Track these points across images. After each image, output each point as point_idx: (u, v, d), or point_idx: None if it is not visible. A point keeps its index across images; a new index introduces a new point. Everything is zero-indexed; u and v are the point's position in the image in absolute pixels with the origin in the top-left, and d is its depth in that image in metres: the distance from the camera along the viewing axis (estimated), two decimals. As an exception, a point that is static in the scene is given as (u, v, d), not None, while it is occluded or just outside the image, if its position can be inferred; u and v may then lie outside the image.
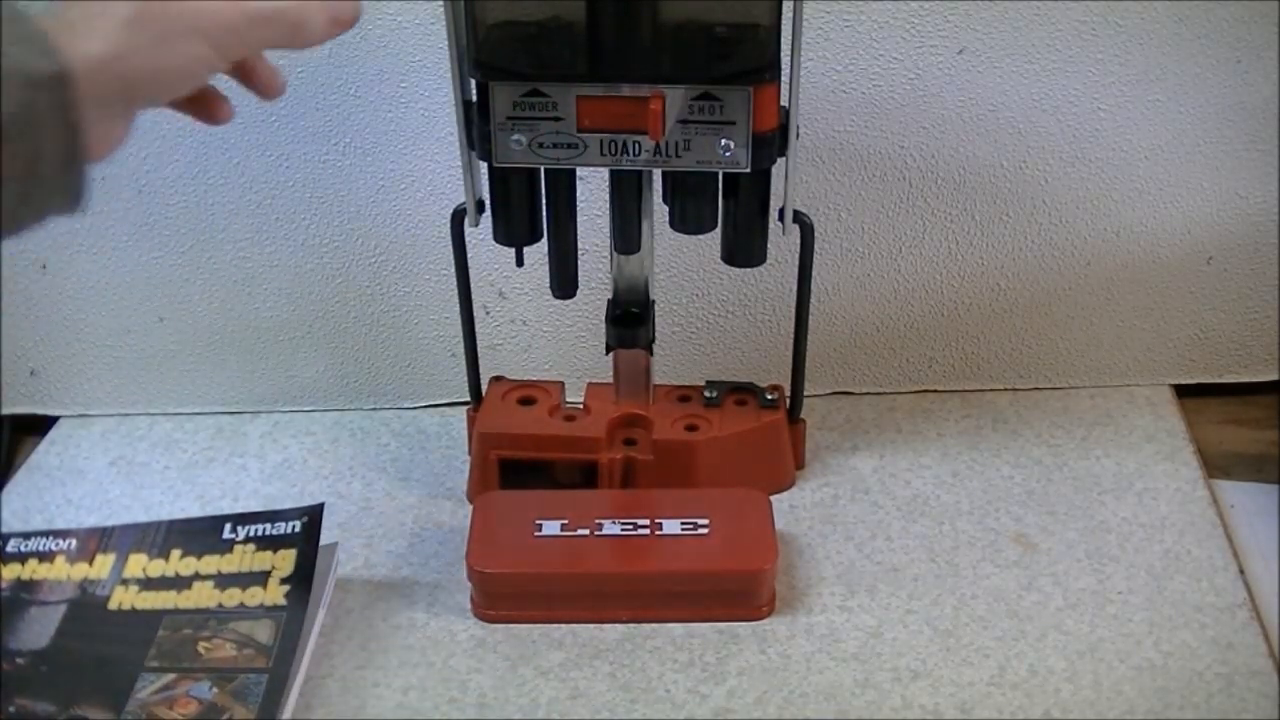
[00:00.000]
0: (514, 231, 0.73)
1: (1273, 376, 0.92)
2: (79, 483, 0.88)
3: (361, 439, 0.91)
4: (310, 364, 0.93)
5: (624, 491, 0.80)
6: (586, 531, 0.74)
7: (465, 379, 0.83)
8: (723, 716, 0.69)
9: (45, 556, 0.78)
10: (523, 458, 0.81)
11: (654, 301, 0.80)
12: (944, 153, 0.84)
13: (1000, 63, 0.81)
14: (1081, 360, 0.92)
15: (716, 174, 0.71)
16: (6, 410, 0.93)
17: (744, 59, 0.66)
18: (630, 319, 0.79)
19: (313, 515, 0.78)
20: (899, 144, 0.83)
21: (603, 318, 0.80)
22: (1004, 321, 0.90)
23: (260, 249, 0.88)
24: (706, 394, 0.83)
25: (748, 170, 0.68)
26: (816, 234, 0.76)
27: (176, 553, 0.77)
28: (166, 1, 0.52)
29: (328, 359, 0.92)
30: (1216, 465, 0.86)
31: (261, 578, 0.75)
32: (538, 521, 0.75)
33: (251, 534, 0.78)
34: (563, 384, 0.84)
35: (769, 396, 0.82)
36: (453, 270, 0.78)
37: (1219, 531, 0.79)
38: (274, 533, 0.77)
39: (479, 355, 0.83)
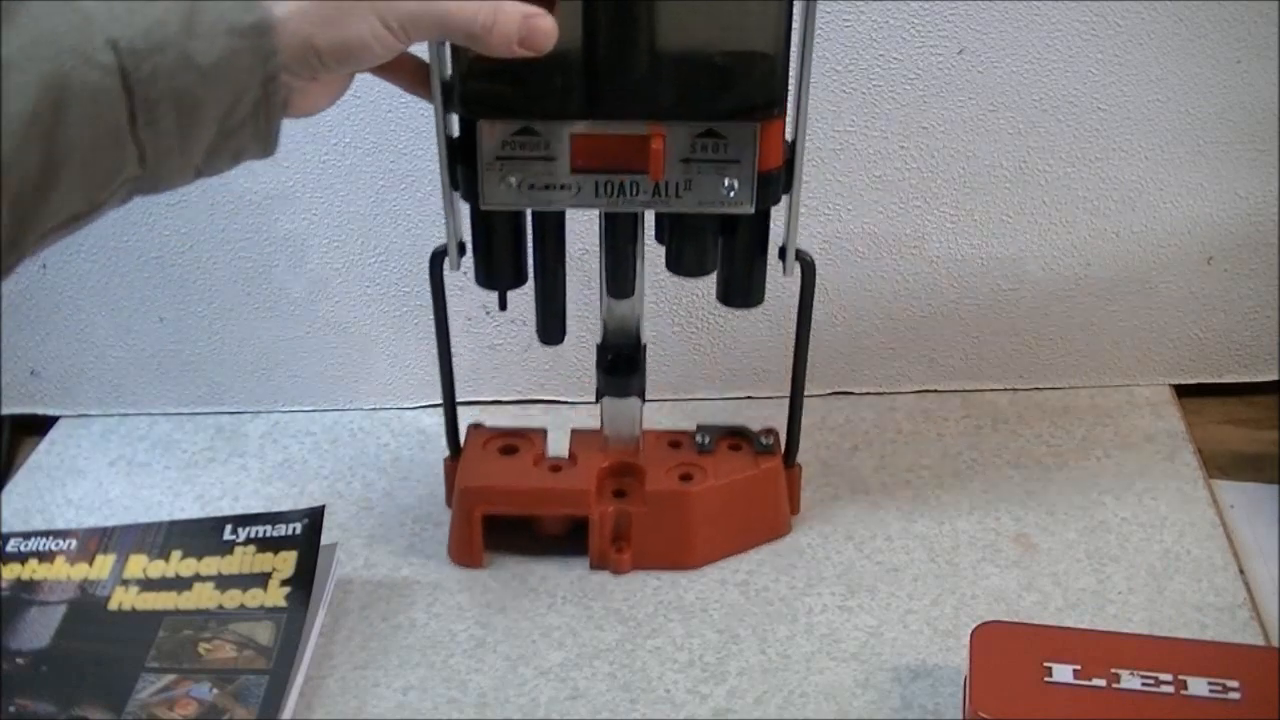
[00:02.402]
0: (497, 275, 0.70)
1: (1273, 376, 0.92)
2: (79, 483, 0.88)
3: (361, 439, 0.91)
4: (311, 364, 0.93)
5: (1144, 637, 0.71)
6: (1103, 683, 0.64)
7: (465, 379, 0.83)
8: (723, 716, 0.69)
9: (45, 556, 0.78)
10: (509, 514, 0.77)
11: (646, 345, 0.76)
12: (944, 153, 0.84)
13: (1000, 63, 0.81)
14: (1081, 360, 0.92)
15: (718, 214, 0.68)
16: (6, 410, 0.93)
17: (750, 92, 0.62)
18: (621, 367, 0.75)
19: (314, 517, 0.78)
20: (899, 144, 0.83)
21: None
22: (1004, 321, 0.90)
23: (260, 249, 0.88)
24: (698, 439, 0.79)
25: (752, 211, 0.65)
26: (818, 234, 0.75)
27: (177, 554, 0.78)
28: None
29: (328, 359, 0.92)
30: (1216, 465, 0.86)
31: (262, 579, 0.75)
32: (1046, 664, 0.65)
33: (252, 535, 0.78)
34: (545, 431, 0.80)
35: (764, 441, 0.79)
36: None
37: (1219, 531, 0.79)
38: (275, 534, 0.77)
39: (476, 359, 0.81)
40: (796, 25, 0.62)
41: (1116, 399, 0.91)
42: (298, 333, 0.91)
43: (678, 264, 0.70)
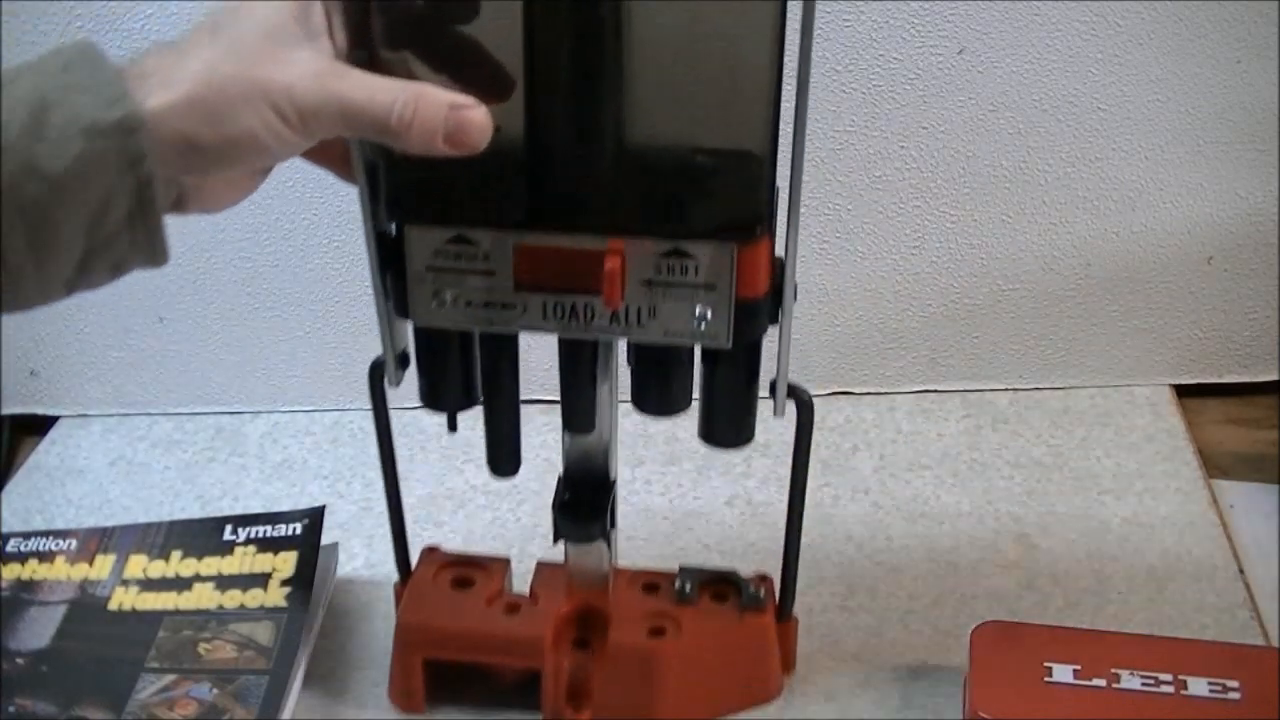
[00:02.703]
0: (443, 397, 0.60)
1: (1273, 376, 0.92)
2: (79, 483, 0.88)
3: (361, 439, 0.91)
4: (310, 364, 0.93)
5: (1144, 637, 0.70)
6: (1103, 683, 0.63)
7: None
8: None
9: (45, 556, 0.78)
10: (452, 660, 0.68)
11: (615, 480, 0.65)
12: (944, 153, 0.84)
13: (1000, 63, 0.81)
14: (1081, 360, 0.92)
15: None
16: (6, 410, 0.94)
17: (726, 206, 0.52)
18: (583, 511, 0.64)
19: (314, 517, 0.78)
20: (899, 144, 0.83)
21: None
22: (1004, 321, 0.90)
23: (260, 249, 0.88)
24: (678, 584, 0.68)
25: (728, 347, 0.55)
26: (817, 234, 0.75)
27: (177, 554, 0.78)
28: (247, 68, 0.47)
29: (328, 359, 0.92)
30: (1216, 465, 0.86)
31: (262, 580, 0.75)
32: (1046, 664, 0.64)
33: (252, 536, 0.78)
34: (507, 561, 0.70)
35: (753, 590, 0.67)
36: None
37: (1219, 531, 0.79)
38: (275, 535, 0.77)
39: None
40: (786, 113, 0.52)
41: (1116, 399, 0.91)
42: (298, 333, 0.91)
43: (642, 400, 0.59)
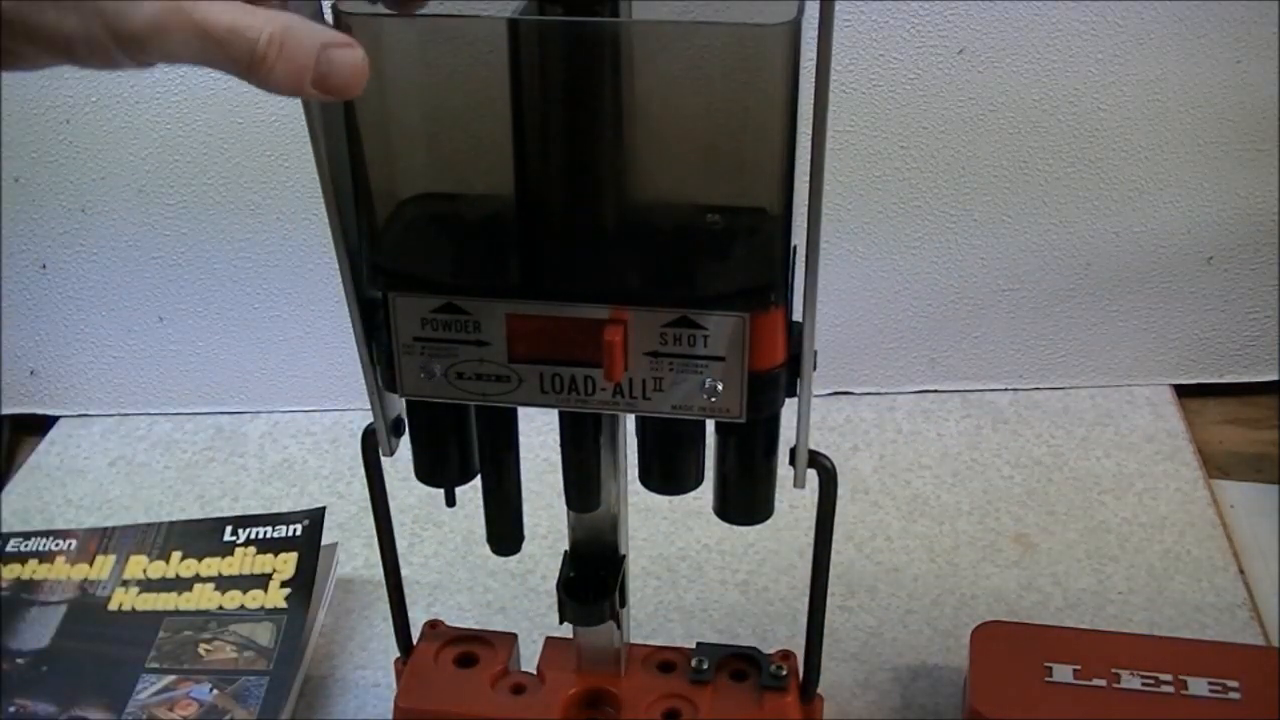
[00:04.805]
0: (438, 471, 0.57)
1: (1273, 376, 0.92)
2: (79, 483, 0.88)
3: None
4: (310, 364, 0.93)
5: (1144, 637, 0.70)
6: (1103, 683, 0.63)
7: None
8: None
9: (45, 556, 0.78)
10: None
11: (625, 556, 0.60)
12: (944, 153, 0.84)
13: (1000, 63, 0.81)
14: (1081, 360, 0.92)
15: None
16: (6, 410, 0.94)
17: (738, 271, 0.47)
18: (588, 591, 0.59)
19: (314, 519, 0.78)
20: (899, 144, 0.83)
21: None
22: (1004, 321, 0.90)
23: (259, 248, 0.88)
24: (695, 663, 0.63)
25: (741, 420, 0.50)
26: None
27: (177, 555, 0.78)
28: None
29: (328, 359, 0.92)
30: (1216, 465, 0.86)
31: (262, 580, 0.75)
32: (1046, 664, 0.64)
33: (252, 537, 0.78)
34: (514, 638, 0.66)
35: (775, 668, 0.62)
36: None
37: (1219, 531, 0.79)
38: (275, 536, 0.77)
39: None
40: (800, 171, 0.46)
41: (1116, 399, 0.91)
42: (298, 333, 0.91)
43: (647, 477, 0.54)
